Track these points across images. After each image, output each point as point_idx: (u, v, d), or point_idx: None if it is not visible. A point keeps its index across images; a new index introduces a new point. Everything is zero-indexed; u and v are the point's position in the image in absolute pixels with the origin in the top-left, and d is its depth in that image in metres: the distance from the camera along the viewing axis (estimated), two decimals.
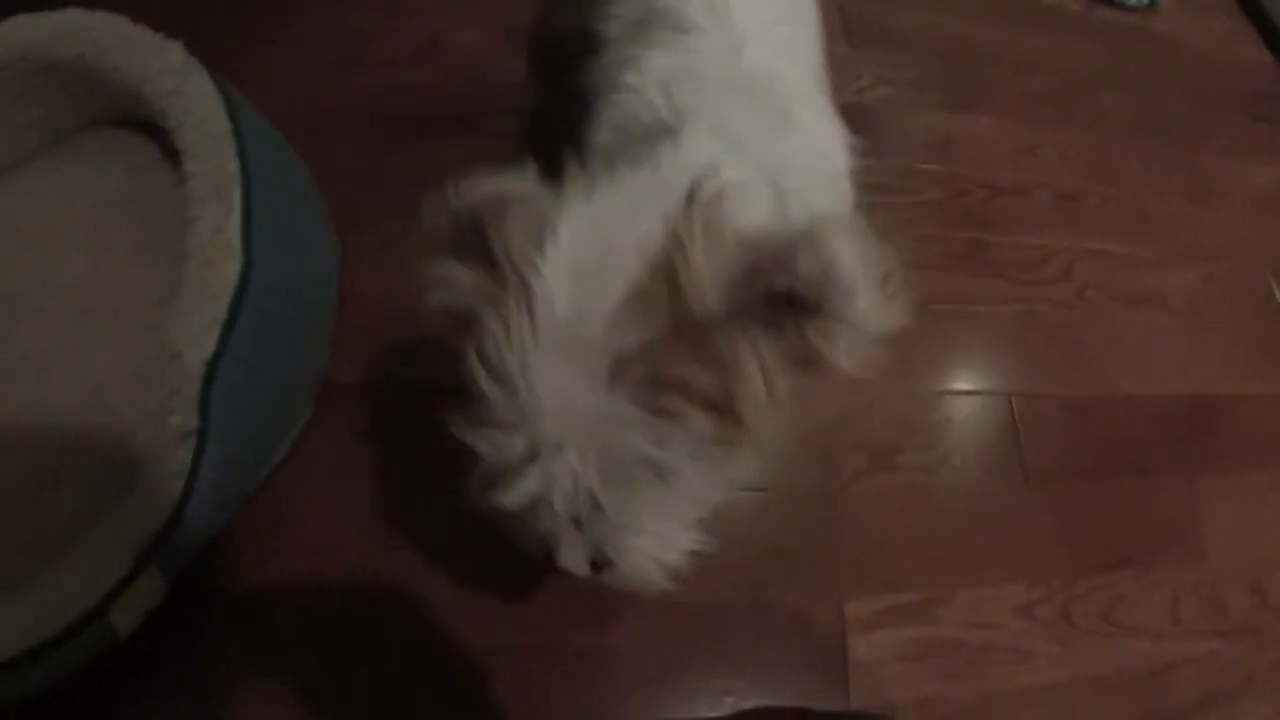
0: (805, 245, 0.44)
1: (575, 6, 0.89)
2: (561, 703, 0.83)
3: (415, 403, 0.94)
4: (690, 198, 0.48)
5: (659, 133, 0.65)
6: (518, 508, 0.51)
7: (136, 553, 0.70)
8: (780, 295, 0.46)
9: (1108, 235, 1.26)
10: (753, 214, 0.52)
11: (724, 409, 0.47)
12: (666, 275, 0.47)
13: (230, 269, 0.73)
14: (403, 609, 0.85)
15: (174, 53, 0.82)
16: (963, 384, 1.08)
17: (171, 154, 0.86)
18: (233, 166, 0.75)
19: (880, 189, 1.03)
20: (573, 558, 0.53)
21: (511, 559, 0.66)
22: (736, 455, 0.50)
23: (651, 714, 0.84)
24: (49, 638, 0.67)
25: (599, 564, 0.53)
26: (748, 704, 0.85)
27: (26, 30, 0.83)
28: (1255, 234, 1.39)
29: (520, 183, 0.53)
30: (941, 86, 1.23)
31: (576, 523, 0.51)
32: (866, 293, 0.46)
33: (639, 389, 0.46)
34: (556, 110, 1.01)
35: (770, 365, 0.48)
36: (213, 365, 0.72)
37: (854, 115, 0.78)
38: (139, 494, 0.72)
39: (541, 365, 0.47)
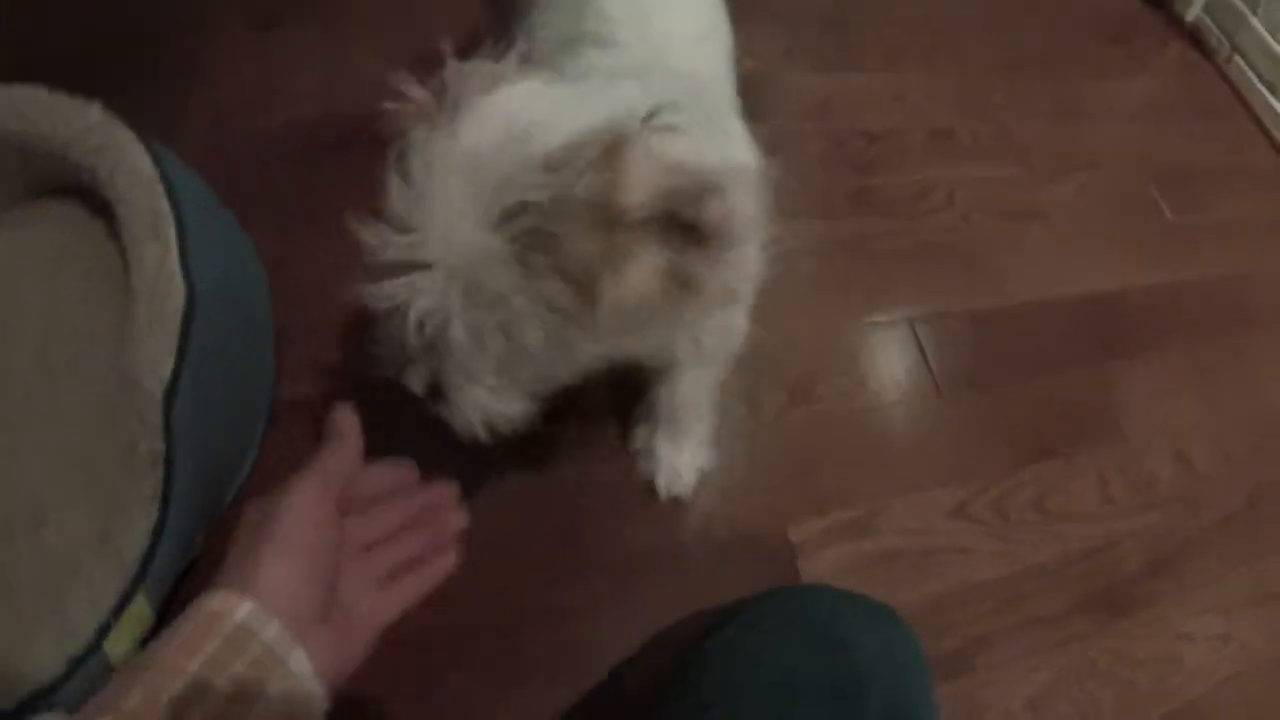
0: (716, 192, 0.52)
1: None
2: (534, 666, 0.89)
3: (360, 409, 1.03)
4: (649, 116, 0.54)
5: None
6: (382, 308, 0.54)
7: (124, 580, 0.75)
8: (682, 221, 0.52)
9: (983, 163, 1.34)
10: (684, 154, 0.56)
11: (584, 286, 0.51)
12: (590, 159, 0.50)
13: (176, 298, 0.79)
14: None
15: (94, 112, 0.87)
16: (866, 317, 1.17)
17: (102, 212, 0.91)
18: (164, 206, 0.81)
19: (765, 151, 1.11)
20: (414, 377, 0.56)
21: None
22: (578, 340, 0.54)
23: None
24: (49, 681, 0.69)
25: (434, 392, 0.57)
26: None
27: None
28: (1127, 140, 1.49)
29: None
30: (812, 51, 1.32)
31: (429, 349, 0.55)
32: (749, 244, 0.55)
33: (520, 235, 0.50)
34: None
35: (647, 269, 0.52)
36: (171, 390, 0.77)
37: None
38: (120, 523, 0.76)
39: (445, 184, 0.51)
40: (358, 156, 1.16)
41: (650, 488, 0.98)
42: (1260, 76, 1.70)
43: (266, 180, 1.17)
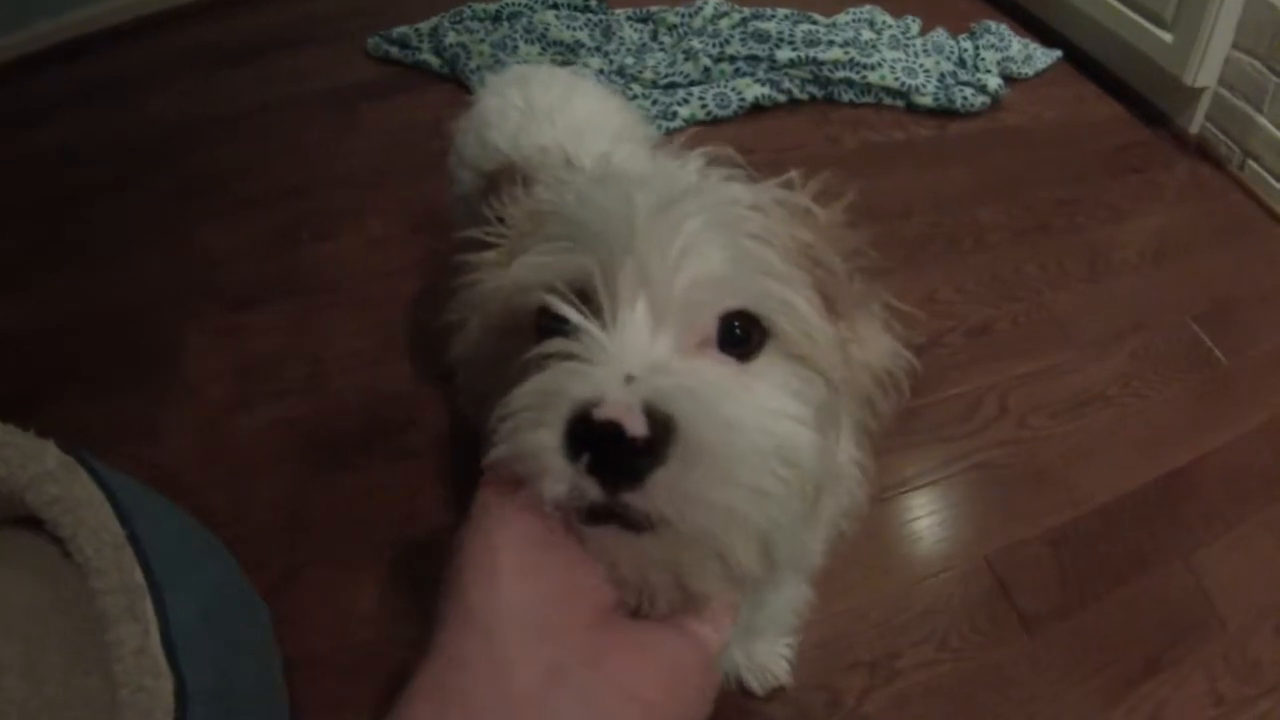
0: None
1: None
2: None
3: None
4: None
5: None
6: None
7: None
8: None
9: (1029, 354, 1.31)
10: None
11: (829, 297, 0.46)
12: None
13: (163, 690, 0.72)
14: None
15: (49, 456, 0.80)
16: (935, 566, 1.11)
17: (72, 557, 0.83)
18: (137, 577, 0.75)
19: None
20: (630, 395, 0.35)
21: None
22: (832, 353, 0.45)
23: None
24: None
25: (658, 435, 0.34)
26: None
27: None
28: (1164, 287, 1.46)
29: None
30: None
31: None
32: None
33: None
34: None
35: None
36: None
37: None
38: None
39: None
40: (348, 469, 1.18)
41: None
42: (1277, 177, 1.68)
43: (260, 488, 1.16)
